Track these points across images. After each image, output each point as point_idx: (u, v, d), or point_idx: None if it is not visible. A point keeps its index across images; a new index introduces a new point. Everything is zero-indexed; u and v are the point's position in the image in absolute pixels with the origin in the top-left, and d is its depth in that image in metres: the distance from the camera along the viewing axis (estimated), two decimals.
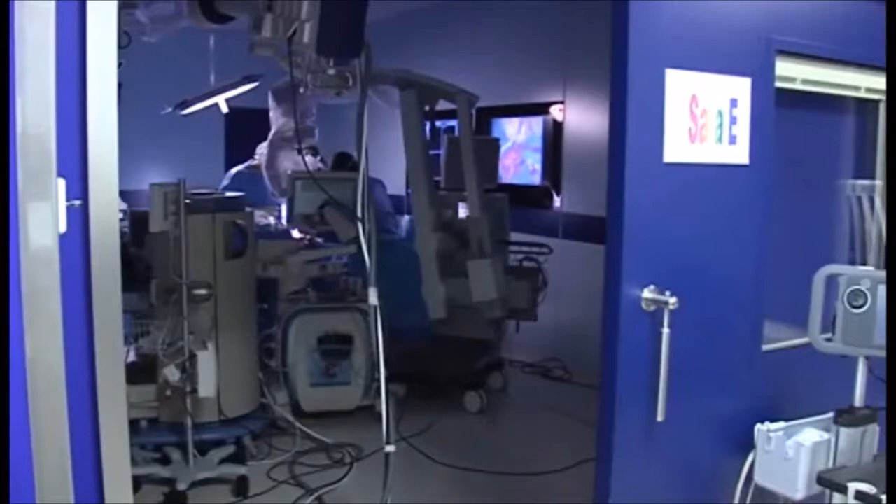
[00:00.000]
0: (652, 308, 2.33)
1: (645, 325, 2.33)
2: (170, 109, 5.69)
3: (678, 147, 2.39)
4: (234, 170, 6.03)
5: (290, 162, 5.36)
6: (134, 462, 1.72)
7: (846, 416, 2.36)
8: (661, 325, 2.28)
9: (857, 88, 2.95)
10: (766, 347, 2.70)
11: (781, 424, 2.51)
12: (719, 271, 2.55)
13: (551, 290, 4.85)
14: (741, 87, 2.52)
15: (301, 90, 3.98)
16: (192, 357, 3.56)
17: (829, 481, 2.22)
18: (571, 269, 5.17)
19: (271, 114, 5.49)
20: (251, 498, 3.54)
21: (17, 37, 1.43)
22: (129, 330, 3.80)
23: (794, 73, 2.72)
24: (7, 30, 1.42)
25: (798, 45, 2.66)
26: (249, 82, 5.48)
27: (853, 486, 2.12)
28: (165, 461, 3.63)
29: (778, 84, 2.64)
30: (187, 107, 5.67)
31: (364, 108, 2.90)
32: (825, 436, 2.44)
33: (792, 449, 2.43)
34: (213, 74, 6.20)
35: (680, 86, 2.37)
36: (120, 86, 1.67)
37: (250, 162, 5.90)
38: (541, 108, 5.98)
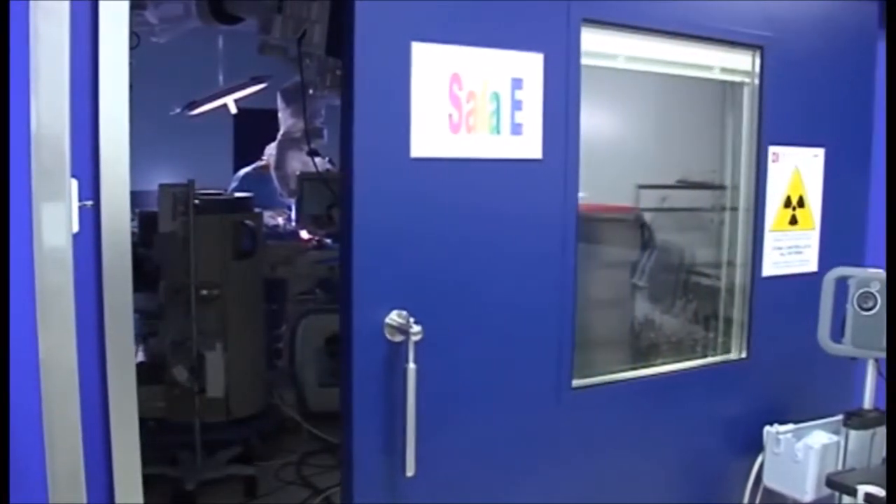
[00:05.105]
0: (399, 338, 1.90)
1: (389, 359, 1.90)
2: (178, 110, 5.70)
3: (432, 139, 1.92)
4: (242, 171, 6.04)
5: (298, 163, 5.35)
6: (142, 462, 1.72)
7: (855, 418, 2.36)
8: (407, 360, 1.84)
9: (709, 68, 2.48)
10: (579, 382, 2.26)
11: (790, 427, 2.50)
12: (504, 294, 2.07)
13: None
14: (529, 64, 2.02)
15: (310, 91, 4.01)
16: (201, 357, 3.57)
17: (838, 484, 2.22)
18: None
19: (280, 115, 5.48)
20: (259, 498, 3.55)
21: (32, 38, 1.44)
22: (138, 330, 3.81)
23: (612, 48, 2.23)
24: (6, 31, 1.43)
25: (616, 12, 2.16)
26: (258, 83, 5.48)
27: (862, 489, 2.11)
28: (173, 461, 3.64)
29: (589, 62, 2.14)
30: (196, 107, 5.68)
31: None
32: (834, 438, 2.44)
33: (801, 451, 2.43)
34: (221, 75, 6.20)
35: (433, 63, 1.89)
36: (130, 87, 1.68)
37: (259, 163, 5.90)
38: None
